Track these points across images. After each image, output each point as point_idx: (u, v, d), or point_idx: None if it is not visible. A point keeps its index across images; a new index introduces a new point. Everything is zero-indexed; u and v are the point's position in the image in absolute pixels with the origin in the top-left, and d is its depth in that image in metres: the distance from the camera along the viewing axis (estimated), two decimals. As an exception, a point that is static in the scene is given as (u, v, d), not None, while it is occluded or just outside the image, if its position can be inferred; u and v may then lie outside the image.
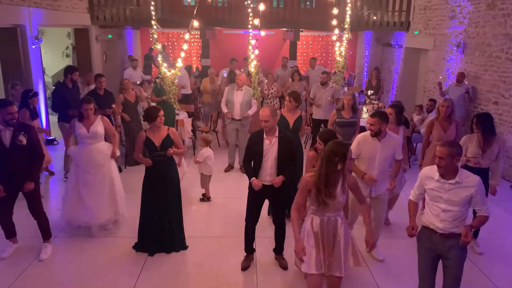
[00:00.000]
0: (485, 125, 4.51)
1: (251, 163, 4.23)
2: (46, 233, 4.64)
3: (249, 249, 4.49)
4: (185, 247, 4.77)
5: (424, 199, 3.51)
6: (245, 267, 4.42)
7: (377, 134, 4.21)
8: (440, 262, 3.44)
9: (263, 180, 4.17)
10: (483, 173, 4.54)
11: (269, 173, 4.14)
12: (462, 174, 3.22)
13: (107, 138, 5.24)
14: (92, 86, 8.33)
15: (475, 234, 4.84)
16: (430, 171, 3.36)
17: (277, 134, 4.14)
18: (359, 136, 4.39)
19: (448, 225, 3.24)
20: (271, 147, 4.11)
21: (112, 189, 5.04)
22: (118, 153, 5.28)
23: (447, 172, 3.20)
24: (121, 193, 5.22)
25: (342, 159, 3.13)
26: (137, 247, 4.71)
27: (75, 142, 5.53)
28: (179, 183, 4.77)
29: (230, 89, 7.14)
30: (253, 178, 4.16)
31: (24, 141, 4.24)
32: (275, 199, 4.30)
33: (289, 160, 4.16)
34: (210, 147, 6.04)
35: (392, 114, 4.83)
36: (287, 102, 5.42)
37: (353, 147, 4.31)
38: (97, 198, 4.89)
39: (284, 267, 4.41)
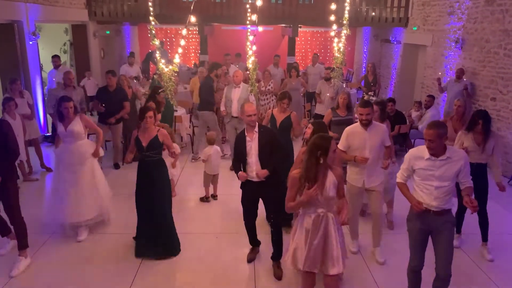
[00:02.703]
0: (488, 122, 4.50)
1: (239, 162, 4.24)
2: (21, 242, 4.29)
3: (254, 242, 4.54)
4: (177, 251, 4.61)
5: None
6: (250, 259, 4.47)
7: (370, 123, 4.28)
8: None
9: (250, 177, 4.17)
10: (481, 169, 4.57)
11: (255, 169, 4.13)
12: (450, 150, 3.37)
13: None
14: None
15: (484, 238, 4.73)
16: (418, 152, 3.48)
17: (257, 129, 4.16)
18: (347, 129, 4.43)
19: (441, 202, 3.39)
20: (252, 142, 4.13)
21: (94, 188, 4.90)
22: (102, 152, 5.16)
23: (437, 151, 3.34)
24: (106, 193, 5.07)
25: (325, 152, 3.13)
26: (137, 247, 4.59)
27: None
28: (169, 186, 4.61)
29: (228, 87, 7.13)
30: (240, 172, 4.19)
31: None
32: (267, 197, 4.23)
33: (273, 152, 4.12)
34: (215, 145, 5.94)
35: (377, 112, 4.95)
36: (279, 104, 5.35)
37: (342, 140, 4.39)
38: (77, 196, 4.76)
39: (278, 277, 4.21)
